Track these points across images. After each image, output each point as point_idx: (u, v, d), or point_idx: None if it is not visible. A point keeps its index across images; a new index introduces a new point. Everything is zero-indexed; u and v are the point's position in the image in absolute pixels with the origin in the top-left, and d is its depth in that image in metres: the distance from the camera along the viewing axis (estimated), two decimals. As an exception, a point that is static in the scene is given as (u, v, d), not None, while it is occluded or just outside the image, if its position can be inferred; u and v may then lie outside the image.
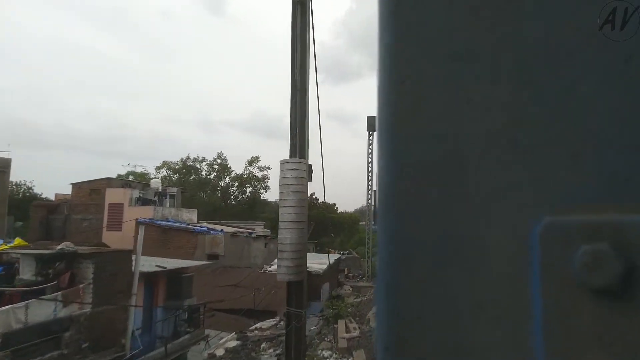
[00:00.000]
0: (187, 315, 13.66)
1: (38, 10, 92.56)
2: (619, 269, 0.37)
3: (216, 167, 52.58)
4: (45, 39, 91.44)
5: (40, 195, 43.44)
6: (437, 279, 0.46)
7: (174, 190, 27.77)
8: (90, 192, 24.82)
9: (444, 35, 0.48)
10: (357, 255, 34.53)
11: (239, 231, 25.71)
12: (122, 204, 24.17)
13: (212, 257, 21.23)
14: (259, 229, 37.89)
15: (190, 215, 26.78)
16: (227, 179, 52.96)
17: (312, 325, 14.43)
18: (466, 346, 0.44)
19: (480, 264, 0.45)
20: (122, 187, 24.97)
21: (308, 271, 19.09)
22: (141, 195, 24.89)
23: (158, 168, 51.61)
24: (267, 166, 53.05)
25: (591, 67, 0.43)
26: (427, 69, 0.49)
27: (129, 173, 48.97)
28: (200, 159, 52.19)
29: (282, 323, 14.11)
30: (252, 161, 52.86)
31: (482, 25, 0.47)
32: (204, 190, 49.79)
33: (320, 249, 45.61)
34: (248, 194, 53.84)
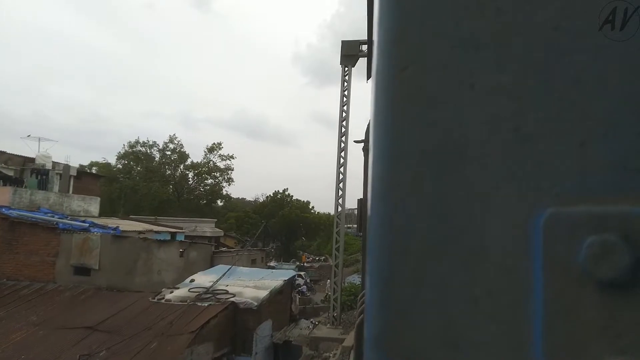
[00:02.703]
0: None
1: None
2: (627, 260, 0.37)
3: (169, 153, 44.08)
4: (24, 25, 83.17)
5: None
6: (432, 271, 0.44)
7: (67, 168, 19.27)
8: None
9: (448, 20, 0.47)
10: (331, 264, 26.89)
11: (157, 230, 17.48)
12: (-31, 183, 15.77)
13: (82, 271, 13.00)
14: (208, 228, 29.97)
15: (86, 206, 18.43)
16: (182, 167, 44.49)
17: None
18: (460, 340, 0.43)
19: (478, 255, 0.43)
20: (-18, 159, 16.46)
21: (233, 303, 10.74)
22: (1, 171, 16.45)
23: (120, 157, 43.17)
24: (230, 155, 44.88)
25: (599, 53, 0.42)
26: (430, 55, 0.47)
27: (92, 164, 41.23)
28: (151, 143, 43.62)
29: None
30: (213, 148, 44.58)
31: (488, 11, 0.46)
32: (151, 179, 41.11)
33: (289, 255, 37.87)
34: (207, 186, 45.54)
